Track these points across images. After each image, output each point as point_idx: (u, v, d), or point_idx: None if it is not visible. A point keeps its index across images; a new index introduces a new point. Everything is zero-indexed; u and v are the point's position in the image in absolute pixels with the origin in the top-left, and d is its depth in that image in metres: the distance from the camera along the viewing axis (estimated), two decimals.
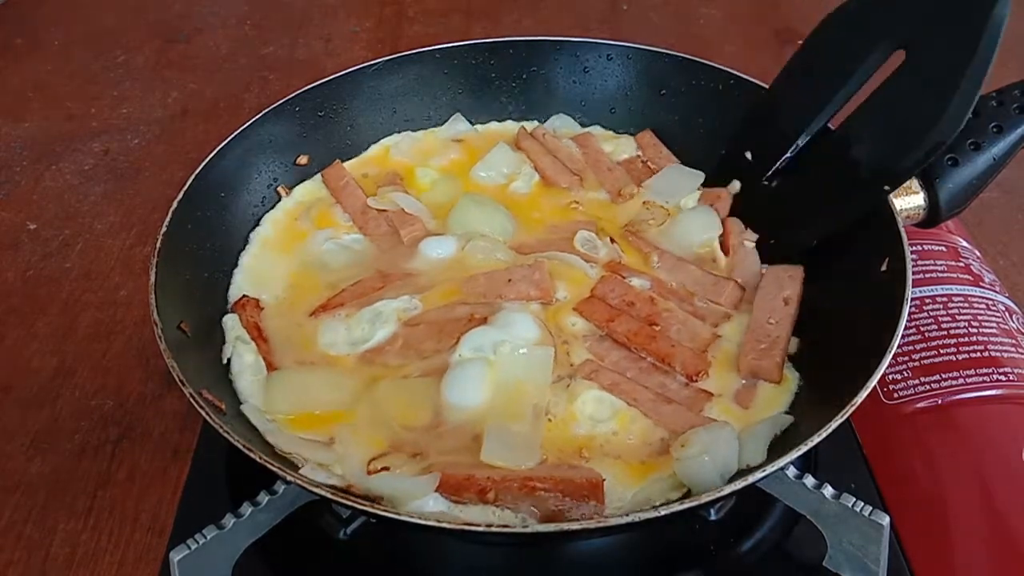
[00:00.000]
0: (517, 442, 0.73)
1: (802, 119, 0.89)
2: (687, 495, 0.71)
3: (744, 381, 0.80)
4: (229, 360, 0.82)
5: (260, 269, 0.92)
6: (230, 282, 0.91)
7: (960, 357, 0.86)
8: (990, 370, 0.84)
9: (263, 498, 0.68)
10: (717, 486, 0.68)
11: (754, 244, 0.92)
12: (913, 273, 0.75)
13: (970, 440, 0.81)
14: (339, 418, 0.77)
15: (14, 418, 0.95)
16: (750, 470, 0.64)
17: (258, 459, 0.65)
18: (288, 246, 0.95)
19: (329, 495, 0.63)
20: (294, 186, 1.01)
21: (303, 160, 1.02)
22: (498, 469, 0.71)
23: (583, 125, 1.11)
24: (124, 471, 0.90)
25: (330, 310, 0.86)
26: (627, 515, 0.63)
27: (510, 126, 1.11)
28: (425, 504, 0.68)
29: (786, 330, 0.83)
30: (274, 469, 0.65)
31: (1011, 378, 0.84)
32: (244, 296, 0.88)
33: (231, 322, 0.86)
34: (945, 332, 0.88)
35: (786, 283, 0.87)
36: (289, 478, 0.64)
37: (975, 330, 0.88)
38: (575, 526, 0.64)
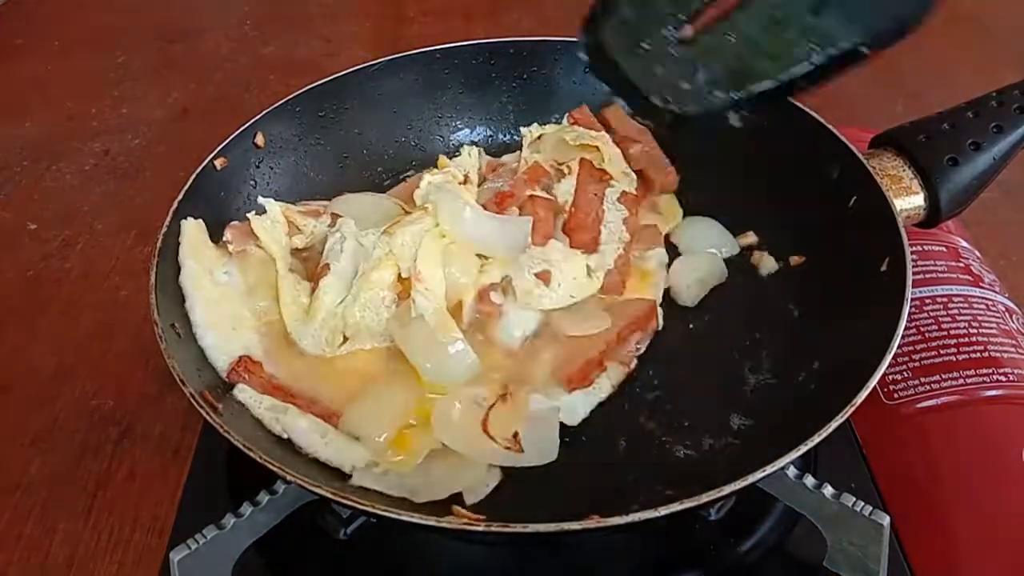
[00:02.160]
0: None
1: None
2: None
3: None
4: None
5: (224, 323, 0.81)
6: (202, 347, 0.79)
7: (960, 357, 0.86)
8: (990, 370, 0.84)
9: (263, 498, 0.68)
10: None
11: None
12: (913, 273, 0.75)
13: (970, 440, 0.81)
14: (426, 414, 0.75)
15: (14, 418, 0.95)
16: (751, 470, 0.64)
17: (258, 459, 0.65)
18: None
19: (329, 495, 0.63)
20: None
21: None
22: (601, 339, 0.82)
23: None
24: (124, 471, 0.90)
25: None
26: (627, 515, 0.63)
27: None
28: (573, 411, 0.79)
29: None
30: (274, 469, 0.64)
31: (1011, 378, 0.84)
32: (241, 357, 0.78)
33: (247, 394, 0.76)
34: (945, 332, 0.88)
35: None
36: (289, 478, 0.64)
37: (975, 330, 0.88)
38: (575, 526, 0.64)
